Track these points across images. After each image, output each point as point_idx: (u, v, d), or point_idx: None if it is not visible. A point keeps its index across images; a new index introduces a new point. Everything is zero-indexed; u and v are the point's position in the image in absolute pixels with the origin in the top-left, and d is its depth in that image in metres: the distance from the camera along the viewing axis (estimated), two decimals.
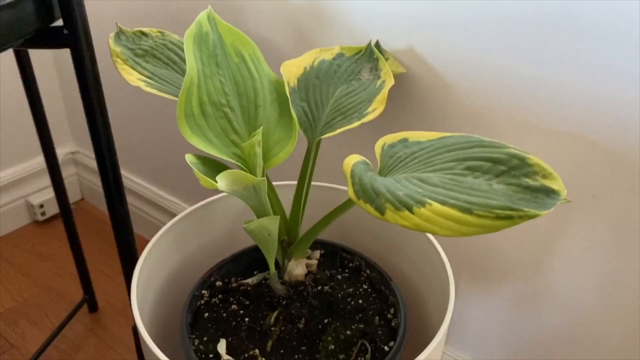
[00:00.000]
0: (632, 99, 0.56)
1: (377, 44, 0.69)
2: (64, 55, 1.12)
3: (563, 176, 0.63)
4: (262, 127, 0.50)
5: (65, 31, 0.50)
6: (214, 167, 0.50)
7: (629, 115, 0.57)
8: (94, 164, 1.30)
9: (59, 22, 0.51)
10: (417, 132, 0.52)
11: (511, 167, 0.43)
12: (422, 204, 0.40)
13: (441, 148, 0.48)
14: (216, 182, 0.43)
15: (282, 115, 0.57)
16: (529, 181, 0.42)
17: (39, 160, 1.27)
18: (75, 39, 0.49)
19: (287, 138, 0.56)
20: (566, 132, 0.62)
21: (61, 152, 1.31)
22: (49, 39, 0.50)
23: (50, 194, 1.29)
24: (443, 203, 0.40)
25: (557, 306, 0.72)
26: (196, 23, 0.53)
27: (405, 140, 0.51)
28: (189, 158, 0.47)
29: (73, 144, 1.35)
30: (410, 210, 0.40)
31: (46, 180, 1.30)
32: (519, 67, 0.61)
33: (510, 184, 0.42)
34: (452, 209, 0.39)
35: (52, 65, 1.22)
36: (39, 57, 1.13)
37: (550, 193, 0.40)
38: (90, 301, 1.07)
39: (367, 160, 0.48)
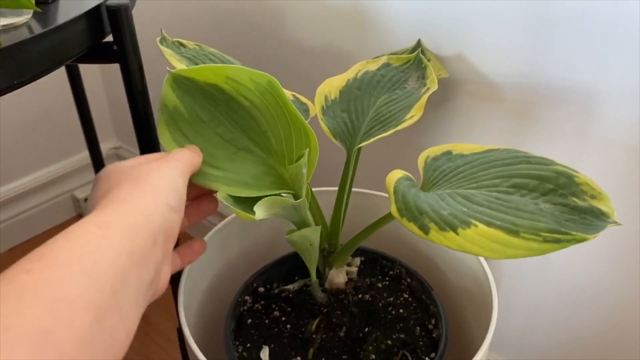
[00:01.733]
0: None
1: (420, 44, 0.68)
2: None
3: (606, 183, 0.62)
4: (305, 149, 0.49)
5: (115, 47, 0.51)
6: (251, 200, 0.47)
7: None
8: None
9: (109, 38, 0.52)
10: (461, 145, 0.51)
11: (558, 186, 0.42)
12: (468, 224, 0.40)
13: (486, 163, 0.47)
14: (254, 213, 0.43)
15: (296, 128, 0.50)
16: (577, 201, 0.41)
17: (83, 156, 1.31)
18: (125, 55, 0.51)
19: (309, 151, 0.50)
20: (618, 140, 0.60)
21: (105, 147, 1.35)
22: (100, 55, 0.51)
23: None
24: (489, 225, 0.39)
25: (592, 309, 0.71)
26: (161, 109, 0.47)
27: (449, 152, 0.51)
28: (221, 195, 0.46)
29: (115, 139, 1.39)
30: (455, 230, 0.40)
31: (90, 175, 1.34)
32: (572, 77, 0.60)
33: (557, 204, 0.41)
34: (498, 231, 0.39)
35: (97, 68, 1.26)
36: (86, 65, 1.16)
37: (599, 215, 0.40)
38: None
39: (410, 176, 0.48)
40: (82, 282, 0.29)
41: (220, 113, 0.49)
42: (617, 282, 0.67)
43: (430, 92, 0.57)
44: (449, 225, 0.40)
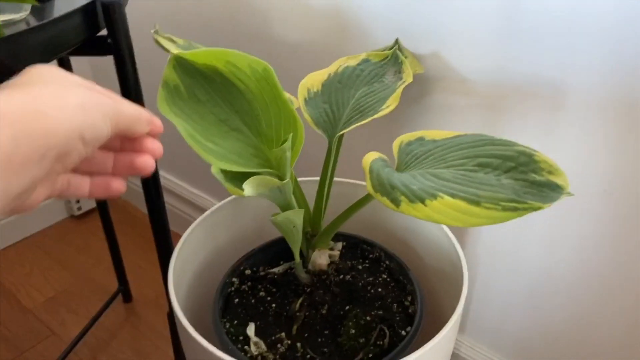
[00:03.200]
0: None
1: (397, 42, 0.72)
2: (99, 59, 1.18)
3: (575, 172, 0.66)
4: (291, 133, 0.53)
5: (109, 40, 0.54)
6: (240, 173, 0.53)
7: None
8: None
9: (103, 32, 0.56)
10: (433, 131, 0.55)
11: (519, 164, 0.46)
12: (434, 196, 0.43)
13: (455, 146, 0.51)
14: (243, 189, 0.47)
15: (285, 114, 0.54)
16: (536, 176, 0.45)
17: None
18: (118, 48, 0.54)
19: (295, 135, 0.55)
20: (580, 130, 0.64)
21: None
22: (94, 48, 0.55)
23: None
24: (453, 196, 0.43)
25: (566, 297, 0.74)
26: (162, 84, 0.51)
27: (421, 138, 0.54)
28: (214, 169, 0.50)
29: None
30: (423, 202, 0.43)
31: None
32: (539, 72, 0.64)
33: (518, 179, 0.45)
34: (461, 201, 0.43)
35: (87, 64, 1.29)
36: (76, 59, 1.19)
37: (555, 187, 0.44)
38: (124, 292, 1.14)
39: (385, 157, 0.51)
40: None
41: (217, 94, 0.52)
42: (590, 272, 0.71)
43: (405, 84, 0.61)
44: (418, 197, 0.44)
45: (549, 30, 0.61)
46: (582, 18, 0.59)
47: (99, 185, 0.40)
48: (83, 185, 0.39)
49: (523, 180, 0.45)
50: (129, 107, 0.38)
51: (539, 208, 0.42)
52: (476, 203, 0.42)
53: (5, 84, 0.33)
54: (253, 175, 0.49)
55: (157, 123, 0.40)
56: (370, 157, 0.50)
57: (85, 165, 0.38)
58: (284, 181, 0.51)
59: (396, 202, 0.44)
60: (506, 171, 0.46)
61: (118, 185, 0.40)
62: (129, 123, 0.37)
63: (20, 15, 0.58)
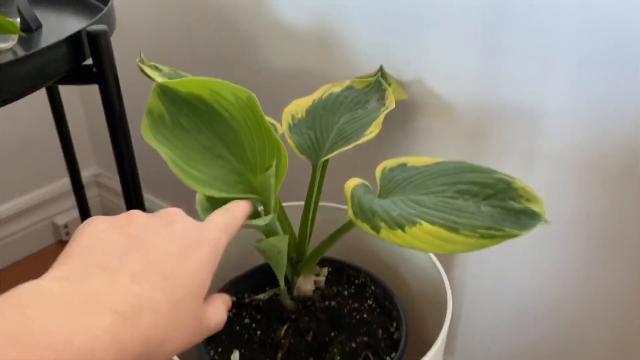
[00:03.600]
0: (631, 119, 0.59)
1: (382, 69, 0.74)
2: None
3: (557, 197, 0.67)
4: (274, 160, 0.53)
5: (94, 69, 0.55)
6: (223, 201, 0.51)
7: (625, 137, 0.60)
8: (116, 185, 1.36)
9: (89, 61, 0.56)
10: (415, 158, 0.56)
11: (498, 191, 0.47)
12: (414, 223, 0.44)
13: (435, 173, 0.52)
14: None
15: (269, 141, 0.54)
16: (514, 204, 0.46)
17: (62, 183, 1.34)
18: (104, 77, 0.55)
19: (279, 162, 0.55)
20: (564, 156, 0.65)
21: (85, 174, 1.37)
22: (79, 77, 0.55)
23: (73, 214, 1.35)
24: (432, 223, 0.44)
25: (553, 317, 0.75)
26: (147, 112, 0.51)
27: (404, 165, 0.55)
28: (199, 196, 0.50)
29: (96, 166, 1.41)
30: (402, 229, 0.44)
31: (70, 202, 1.36)
32: (519, 98, 0.65)
33: (496, 207, 0.46)
34: (440, 228, 0.43)
35: (77, 92, 1.30)
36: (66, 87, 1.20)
37: (533, 215, 0.44)
38: None
39: (367, 183, 0.52)
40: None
41: (201, 122, 0.53)
42: (576, 293, 0.71)
43: (387, 110, 0.62)
44: (398, 224, 0.44)
45: (528, 58, 0.63)
46: (559, 48, 0.60)
47: None
48: None
49: (501, 208, 0.46)
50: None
51: (515, 235, 0.42)
52: (455, 230, 0.43)
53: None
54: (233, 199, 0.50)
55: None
56: (352, 183, 0.50)
57: None
58: (269, 215, 0.52)
59: (376, 229, 0.45)
60: (485, 198, 0.47)
61: None
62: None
63: (7, 45, 0.59)
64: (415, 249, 0.43)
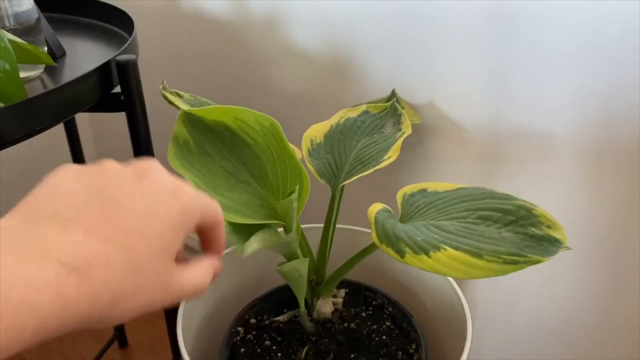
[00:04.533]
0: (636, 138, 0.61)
1: (395, 93, 0.75)
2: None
3: (569, 218, 0.68)
4: (296, 185, 0.55)
5: (122, 97, 0.56)
6: (247, 229, 0.53)
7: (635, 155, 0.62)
8: None
9: (117, 89, 0.58)
10: (435, 183, 0.57)
11: (519, 218, 0.48)
12: (438, 248, 0.45)
13: (456, 199, 0.53)
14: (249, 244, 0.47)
15: (291, 167, 0.56)
16: (535, 230, 0.47)
17: None
18: (132, 104, 0.56)
19: (301, 187, 0.56)
20: (574, 177, 0.67)
21: None
22: (108, 105, 0.57)
23: None
24: (456, 248, 0.45)
25: (565, 338, 0.75)
26: (172, 139, 0.53)
27: (424, 190, 0.57)
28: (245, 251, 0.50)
29: None
30: (427, 254, 0.45)
31: None
32: (530, 118, 0.67)
33: (518, 233, 0.47)
34: (464, 254, 0.44)
35: (88, 123, 1.31)
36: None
37: (554, 241, 0.46)
38: (120, 338, 1.13)
39: (389, 208, 0.53)
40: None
41: (225, 148, 0.55)
42: (586, 315, 0.73)
43: (405, 135, 0.63)
44: (422, 249, 0.45)
45: (538, 80, 0.65)
46: (569, 70, 0.62)
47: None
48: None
49: (523, 234, 0.47)
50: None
51: (538, 262, 0.43)
52: (478, 256, 0.44)
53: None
54: (259, 229, 0.51)
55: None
56: (375, 208, 0.52)
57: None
58: (290, 236, 0.53)
59: (401, 253, 0.46)
60: (506, 224, 0.48)
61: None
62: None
63: (35, 73, 0.60)
64: (439, 273, 0.44)
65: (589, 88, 0.62)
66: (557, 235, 0.46)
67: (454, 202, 0.52)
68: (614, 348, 0.72)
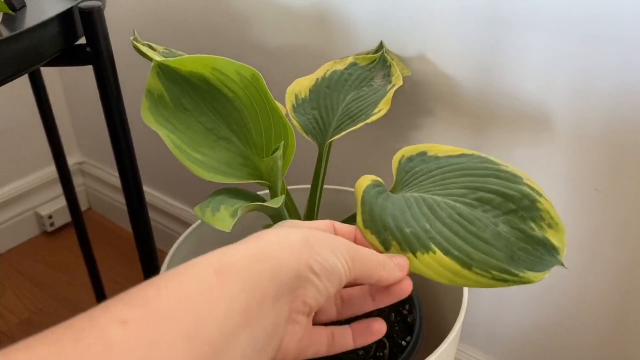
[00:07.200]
0: (631, 91, 0.58)
1: (382, 45, 0.71)
2: (69, 68, 1.14)
3: (565, 171, 0.66)
4: (281, 142, 0.51)
5: (88, 49, 0.52)
6: (226, 201, 0.49)
7: (629, 108, 0.59)
8: (101, 173, 1.32)
9: (82, 40, 0.53)
10: (437, 146, 0.50)
11: (520, 207, 0.43)
12: (427, 249, 0.41)
13: (458, 171, 0.46)
14: (232, 218, 0.43)
15: (275, 122, 0.53)
16: (534, 227, 0.42)
17: (46, 172, 1.29)
18: (98, 57, 0.52)
19: (286, 143, 0.53)
20: (568, 128, 0.64)
21: (68, 162, 1.33)
22: (72, 58, 0.52)
23: (57, 204, 1.30)
24: (446, 253, 0.40)
25: (561, 296, 0.74)
26: (146, 93, 0.49)
27: (424, 153, 0.50)
28: (196, 211, 0.46)
29: (79, 154, 1.37)
30: (414, 253, 0.41)
31: (53, 192, 1.32)
32: (521, 68, 0.64)
33: (515, 228, 0.43)
34: (453, 261, 0.40)
35: (58, 78, 1.25)
36: (45, 69, 1.15)
37: (551, 249, 0.41)
38: None
39: (380, 181, 0.48)
40: (179, 346, 0.26)
41: (203, 102, 0.50)
42: (580, 278, 0.71)
43: (395, 87, 0.60)
44: (409, 246, 0.41)
45: (532, 30, 0.61)
46: (567, 33, 0.59)
47: (360, 332, 0.40)
48: (346, 334, 0.39)
49: (520, 231, 0.42)
50: (367, 250, 0.37)
51: (528, 282, 0.40)
52: (468, 266, 0.40)
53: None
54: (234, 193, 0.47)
55: (404, 265, 0.39)
56: (364, 182, 0.46)
57: (346, 311, 0.40)
58: (281, 197, 0.50)
59: (385, 245, 0.41)
60: (505, 213, 0.43)
61: (379, 326, 0.40)
62: (368, 265, 0.36)
63: None
64: (423, 275, 0.40)
65: (584, 53, 0.58)
66: (555, 241, 0.41)
67: (455, 175, 0.47)
68: (604, 302, 0.71)
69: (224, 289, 0.28)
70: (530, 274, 0.40)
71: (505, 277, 0.40)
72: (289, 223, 0.37)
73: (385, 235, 0.41)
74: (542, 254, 0.41)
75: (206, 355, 0.26)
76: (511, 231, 0.42)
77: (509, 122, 0.68)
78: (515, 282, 0.40)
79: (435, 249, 0.41)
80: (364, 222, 0.43)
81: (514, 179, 0.45)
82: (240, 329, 0.28)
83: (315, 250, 0.32)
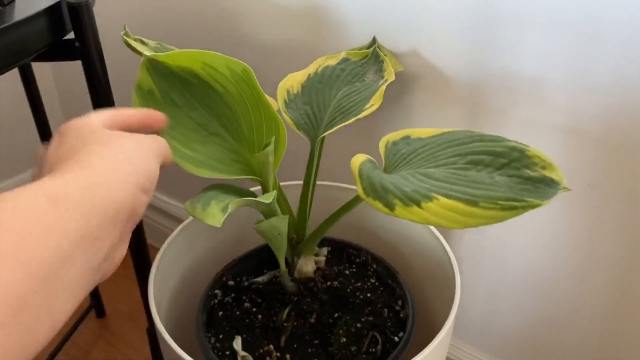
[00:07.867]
0: (629, 87, 0.58)
1: (375, 40, 0.71)
2: (62, 63, 1.13)
3: (558, 167, 0.66)
4: (272, 137, 0.51)
5: (77, 44, 0.51)
6: (217, 197, 0.48)
7: (622, 103, 0.59)
8: None
9: (70, 35, 0.52)
10: (418, 129, 0.53)
11: (512, 160, 0.45)
12: (430, 198, 0.42)
13: (443, 144, 0.50)
14: (222, 213, 0.42)
15: (267, 117, 0.52)
16: (530, 172, 0.44)
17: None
18: (87, 51, 0.51)
19: (277, 139, 0.53)
20: (561, 124, 0.64)
21: None
22: (61, 52, 0.51)
23: None
24: (449, 197, 0.41)
25: (555, 291, 0.74)
26: (136, 89, 0.48)
27: (407, 137, 0.53)
28: (187, 207, 0.46)
29: None
30: (418, 205, 0.42)
31: None
32: (517, 67, 0.63)
33: (512, 176, 0.44)
34: (458, 202, 0.41)
35: (50, 70, 1.24)
36: (37, 64, 1.14)
37: (551, 182, 0.43)
38: (97, 307, 1.09)
39: (373, 159, 0.49)
40: (11, 269, 0.26)
41: (194, 97, 0.50)
42: (575, 274, 0.71)
43: (387, 82, 0.59)
44: (413, 200, 0.42)
45: (525, 24, 0.61)
46: (562, 10, 0.58)
47: None
48: None
49: (517, 177, 0.44)
50: (160, 140, 0.40)
51: (537, 205, 0.40)
52: (474, 203, 0.41)
53: (52, 160, 0.34)
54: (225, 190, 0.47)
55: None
56: (359, 159, 0.48)
57: None
58: (272, 192, 0.49)
59: (390, 206, 0.42)
60: (499, 168, 0.45)
61: None
62: (166, 153, 0.40)
63: None
64: (433, 224, 0.41)
65: (583, 32, 0.58)
66: (553, 176, 0.43)
67: (441, 148, 0.49)
68: (598, 299, 0.71)
69: (58, 215, 0.28)
70: (536, 200, 0.40)
71: (514, 205, 0.40)
72: (97, 125, 0.36)
73: (388, 198, 0.42)
74: (544, 189, 0.42)
75: (35, 278, 0.27)
76: (509, 179, 0.44)
77: (501, 117, 0.68)
78: (525, 208, 0.40)
79: (438, 196, 0.42)
80: (365, 191, 0.44)
81: (498, 138, 0.47)
82: (76, 252, 0.29)
83: (142, 168, 0.35)
